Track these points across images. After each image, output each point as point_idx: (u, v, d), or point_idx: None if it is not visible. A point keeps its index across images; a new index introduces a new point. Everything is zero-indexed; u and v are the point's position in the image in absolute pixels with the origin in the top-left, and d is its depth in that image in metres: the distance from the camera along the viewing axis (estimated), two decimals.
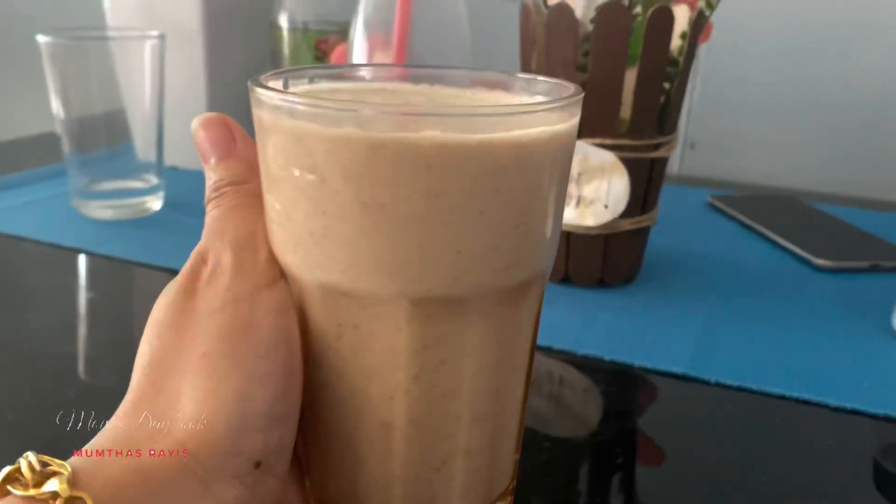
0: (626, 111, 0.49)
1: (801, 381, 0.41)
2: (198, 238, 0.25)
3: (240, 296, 0.23)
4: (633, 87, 0.48)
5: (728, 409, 0.39)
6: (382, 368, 0.22)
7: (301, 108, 0.21)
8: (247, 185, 0.25)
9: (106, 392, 0.38)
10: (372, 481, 0.24)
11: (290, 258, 0.23)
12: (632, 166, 0.50)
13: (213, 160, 0.26)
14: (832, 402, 0.39)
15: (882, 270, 0.58)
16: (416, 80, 0.28)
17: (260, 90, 0.22)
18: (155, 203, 0.65)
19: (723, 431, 0.38)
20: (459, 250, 0.21)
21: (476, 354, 0.23)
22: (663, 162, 0.52)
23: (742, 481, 0.33)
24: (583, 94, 0.23)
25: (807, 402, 0.40)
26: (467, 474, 0.25)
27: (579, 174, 0.50)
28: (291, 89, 0.26)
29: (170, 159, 0.73)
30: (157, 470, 0.21)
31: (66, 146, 0.62)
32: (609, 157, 0.49)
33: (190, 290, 0.24)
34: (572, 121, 0.23)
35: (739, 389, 0.41)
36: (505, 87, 0.26)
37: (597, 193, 0.50)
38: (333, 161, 0.20)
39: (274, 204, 0.23)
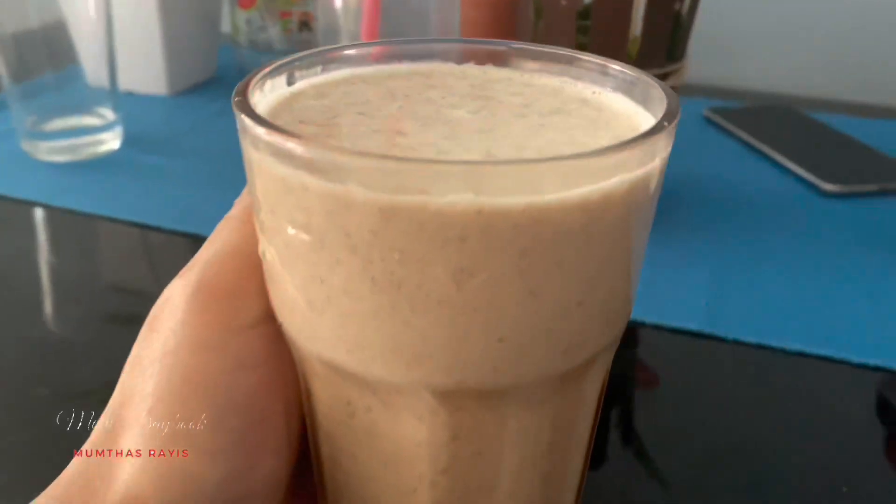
0: (634, 39, 0.44)
1: (819, 337, 0.40)
2: (164, 181, 0.20)
3: (198, 340, 0.18)
4: (643, 14, 0.43)
5: (745, 364, 0.38)
6: (403, 458, 0.18)
7: (288, 147, 0.15)
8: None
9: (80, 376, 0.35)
10: None
11: (287, 319, 0.18)
12: None
13: None
14: (855, 359, 0.38)
15: (890, 193, 0.56)
16: (460, 58, 0.22)
17: (237, 112, 0.16)
18: (113, 141, 0.58)
19: (741, 389, 0.37)
20: (501, 338, 0.16)
21: (521, 444, 0.18)
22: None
23: (762, 442, 0.33)
24: (679, 116, 0.17)
25: (829, 360, 0.38)
26: None
27: None
28: (298, 84, 0.20)
29: (125, 83, 0.66)
30: None
31: (2, 69, 0.55)
32: None
33: (153, 317, 0.19)
34: (662, 154, 0.17)
35: (758, 347, 0.39)
36: (573, 74, 0.21)
37: None
38: (334, 224, 0.15)
39: (266, 251, 0.18)
